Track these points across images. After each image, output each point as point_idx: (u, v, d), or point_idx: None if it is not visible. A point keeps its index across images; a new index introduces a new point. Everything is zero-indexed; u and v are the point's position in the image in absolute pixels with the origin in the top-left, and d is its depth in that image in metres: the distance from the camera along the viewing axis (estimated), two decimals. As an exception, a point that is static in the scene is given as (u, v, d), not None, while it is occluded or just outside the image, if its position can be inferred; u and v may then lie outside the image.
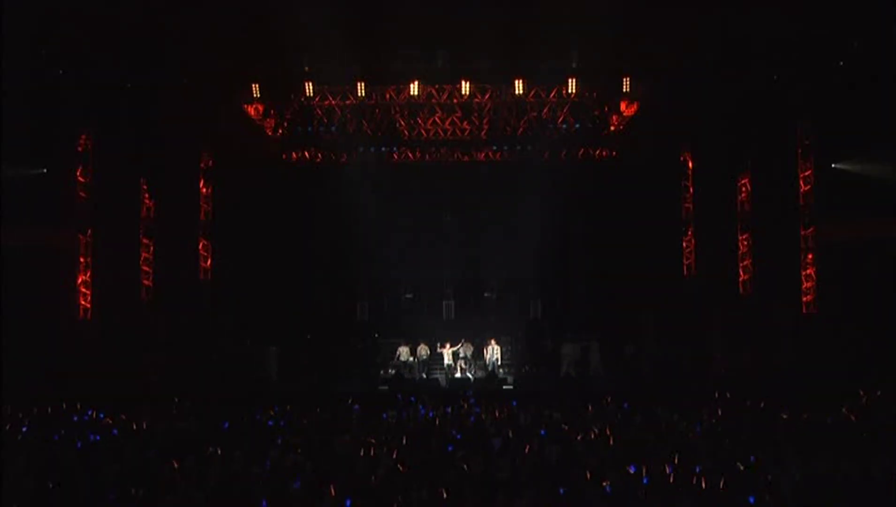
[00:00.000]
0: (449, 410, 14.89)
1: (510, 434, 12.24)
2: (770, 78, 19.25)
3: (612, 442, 11.61)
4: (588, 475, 9.57)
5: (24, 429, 13.13)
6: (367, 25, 17.58)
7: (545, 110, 21.99)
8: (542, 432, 12.25)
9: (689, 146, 23.35)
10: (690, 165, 23.56)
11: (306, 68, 19.57)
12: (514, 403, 15.64)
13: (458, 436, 12.30)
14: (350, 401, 15.48)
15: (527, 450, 11.10)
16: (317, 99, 21.16)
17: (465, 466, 10.23)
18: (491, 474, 9.96)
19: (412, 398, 16.02)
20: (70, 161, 20.52)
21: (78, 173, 20.51)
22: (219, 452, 11.18)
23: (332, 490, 9.00)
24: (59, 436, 12.57)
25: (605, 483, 9.26)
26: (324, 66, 19.46)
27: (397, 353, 20.33)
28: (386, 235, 22.12)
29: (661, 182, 22.86)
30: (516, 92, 19.98)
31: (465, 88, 20.12)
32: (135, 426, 13.51)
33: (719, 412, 13.96)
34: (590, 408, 14.51)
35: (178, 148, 21.19)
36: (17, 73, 17.46)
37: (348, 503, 8.86)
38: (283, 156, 22.99)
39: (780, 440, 11.73)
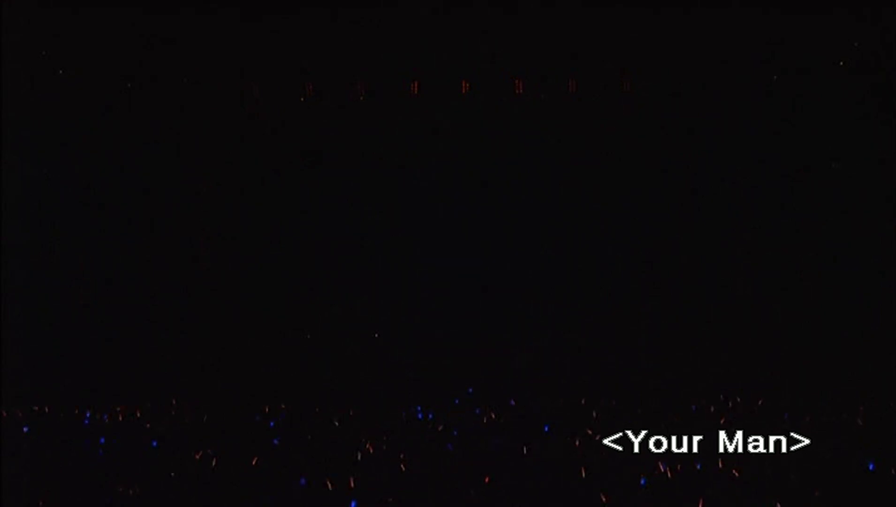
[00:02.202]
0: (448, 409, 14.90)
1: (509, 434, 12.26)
2: (770, 78, 19.27)
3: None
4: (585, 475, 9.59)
5: (24, 429, 13.12)
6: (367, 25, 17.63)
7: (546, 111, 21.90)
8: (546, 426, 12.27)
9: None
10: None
11: (306, 68, 19.58)
12: (512, 402, 15.64)
13: (457, 435, 12.31)
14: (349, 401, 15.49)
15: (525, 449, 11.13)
16: (316, 99, 21.10)
17: (465, 465, 10.24)
18: (491, 473, 9.97)
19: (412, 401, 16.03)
20: (70, 161, 20.48)
21: (78, 173, 20.47)
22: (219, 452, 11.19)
23: (331, 487, 9.01)
24: (58, 436, 12.57)
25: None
26: (324, 66, 19.47)
27: None
28: (382, 236, 22.05)
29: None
30: (516, 92, 19.97)
31: (465, 87, 20.10)
32: (135, 426, 13.52)
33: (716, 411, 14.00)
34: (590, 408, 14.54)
35: (179, 147, 21.16)
36: (17, 73, 17.47)
37: (353, 504, 8.87)
38: (282, 155, 22.89)
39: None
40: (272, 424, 13.65)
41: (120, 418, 14.27)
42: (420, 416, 14.18)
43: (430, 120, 21.60)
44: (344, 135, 21.78)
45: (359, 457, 10.97)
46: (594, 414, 14.35)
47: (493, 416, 14.18)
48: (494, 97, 20.99)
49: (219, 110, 20.63)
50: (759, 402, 14.69)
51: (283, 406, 15.27)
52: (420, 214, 22.48)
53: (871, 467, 9.43)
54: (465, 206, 23.01)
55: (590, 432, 12.43)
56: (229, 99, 20.44)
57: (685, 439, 11.32)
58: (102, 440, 12.19)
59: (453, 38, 18.60)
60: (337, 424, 13.75)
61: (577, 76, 19.69)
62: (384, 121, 21.50)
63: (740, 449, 11.11)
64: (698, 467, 9.98)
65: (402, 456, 10.89)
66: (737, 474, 9.81)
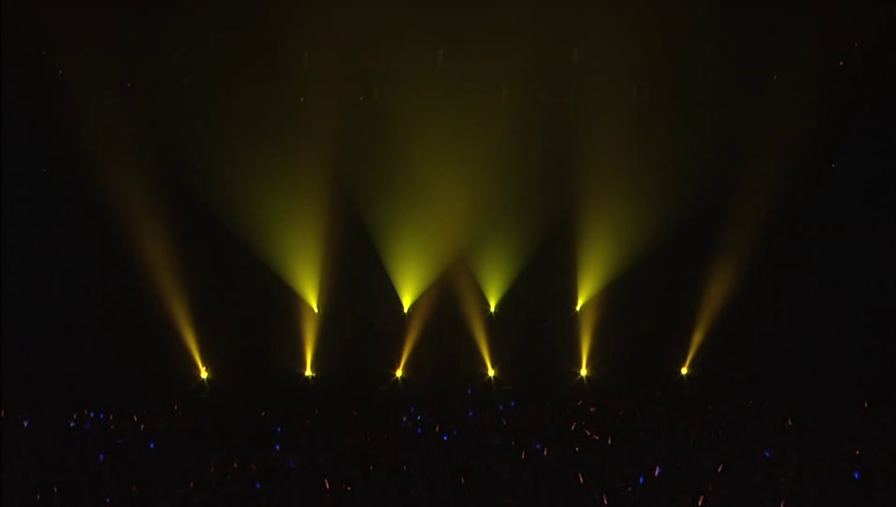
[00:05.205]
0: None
1: (509, 435, 12.28)
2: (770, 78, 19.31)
3: (610, 443, 11.64)
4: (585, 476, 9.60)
5: (24, 429, 13.16)
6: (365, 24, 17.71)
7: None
8: (537, 445, 12.16)
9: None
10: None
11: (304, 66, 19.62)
12: (513, 403, 15.69)
13: (457, 435, 12.33)
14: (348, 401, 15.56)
15: (525, 451, 11.13)
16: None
17: (464, 465, 10.25)
18: (491, 473, 9.98)
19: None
20: (70, 161, 20.52)
21: (78, 174, 20.51)
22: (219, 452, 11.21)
23: (328, 485, 9.03)
24: (59, 436, 12.61)
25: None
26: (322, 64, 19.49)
27: None
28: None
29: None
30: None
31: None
32: (136, 426, 13.57)
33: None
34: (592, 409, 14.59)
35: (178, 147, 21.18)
36: (17, 73, 17.53)
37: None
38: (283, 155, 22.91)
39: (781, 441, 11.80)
40: (278, 429, 13.63)
41: (119, 420, 14.30)
42: (419, 417, 14.22)
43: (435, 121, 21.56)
44: (346, 134, 21.74)
45: (361, 457, 11.01)
46: (591, 411, 14.40)
47: (491, 417, 14.21)
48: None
49: (218, 110, 20.63)
50: (762, 405, 14.73)
51: (281, 409, 15.31)
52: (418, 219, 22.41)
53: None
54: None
55: (589, 432, 12.46)
56: (229, 98, 20.45)
57: (684, 439, 11.34)
58: (92, 440, 12.24)
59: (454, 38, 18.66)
60: (340, 425, 13.79)
61: (578, 77, 19.72)
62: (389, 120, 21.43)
63: (739, 449, 11.15)
64: (698, 468, 9.99)
65: (401, 455, 10.93)
66: (735, 474, 9.84)
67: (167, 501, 9.21)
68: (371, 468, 10.32)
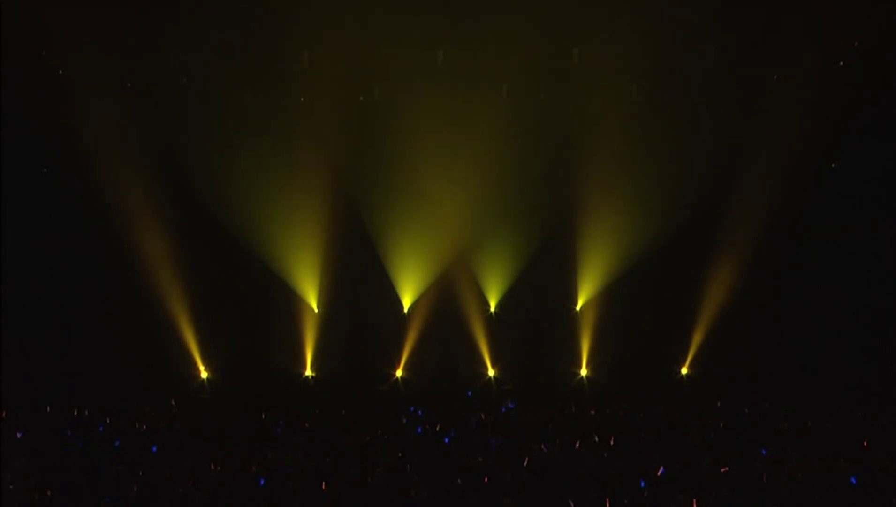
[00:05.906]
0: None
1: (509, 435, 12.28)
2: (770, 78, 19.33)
3: (611, 443, 11.65)
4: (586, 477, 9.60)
5: (24, 430, 13.16)
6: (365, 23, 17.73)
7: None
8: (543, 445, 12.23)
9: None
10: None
11: (305, 66, 19.63)
12: (513, 405, 15.68)
13: (455, 433, 12.34)
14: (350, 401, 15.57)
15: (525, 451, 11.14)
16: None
17: (464, 465, 10.26)
18: (491, 473, 9.99)
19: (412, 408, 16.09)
20: (70, 161, 20.54)
21: (77, 173, 20.53)
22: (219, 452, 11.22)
23: (325, 486, 9.03)
24: (59, 437, 12.61)
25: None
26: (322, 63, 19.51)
27: None
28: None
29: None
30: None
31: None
32: (136, 426, 13.57)
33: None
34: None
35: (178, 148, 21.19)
36: (17, 73, 17.55)
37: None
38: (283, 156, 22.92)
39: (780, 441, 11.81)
40: (279, 428, 13.65)
41: (119, 420, 14.31)
42: (420, 413, 14.22)
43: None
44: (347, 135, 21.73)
45: (361, 457, 11.01)
46: (591, 413, 14.41)
47: (491, 418, 14.21)
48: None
49: (218, 110, 20.63)
50: (762, 405, 14.75)
51: (281, 409, 15.31)
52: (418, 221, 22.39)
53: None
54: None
55: (591, 435, 12.47)
56: (229, 99, 20.46)
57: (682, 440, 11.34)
58: (92, 440, 12.23)
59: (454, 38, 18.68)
60: (340, 425, 13.79)
61: (578, 77, 19.75)
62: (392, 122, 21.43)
63: (739, 449, 11.15)
64: (698, 468, 10.00)
65: (401, 454, 10.94)
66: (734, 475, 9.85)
67: (167, 501, 9.22)
68: (371, 468, 10.33)
